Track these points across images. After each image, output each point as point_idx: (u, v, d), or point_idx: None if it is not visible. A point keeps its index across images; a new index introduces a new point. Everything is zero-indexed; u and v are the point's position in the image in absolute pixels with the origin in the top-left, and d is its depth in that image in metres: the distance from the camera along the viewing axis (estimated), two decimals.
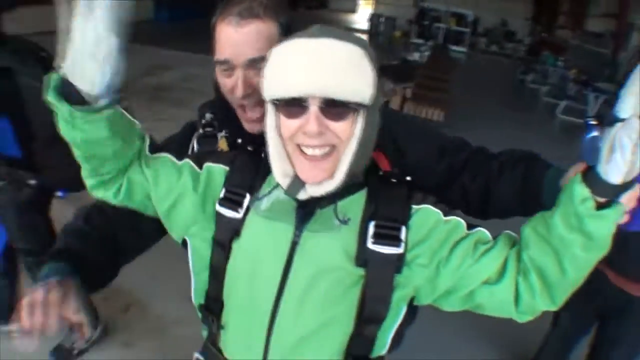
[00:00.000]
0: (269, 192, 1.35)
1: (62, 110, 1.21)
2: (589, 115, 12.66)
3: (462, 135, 1.74)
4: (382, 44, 25.45)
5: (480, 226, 1.34)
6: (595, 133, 1.10)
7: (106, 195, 1.43)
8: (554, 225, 1.15)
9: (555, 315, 3.56)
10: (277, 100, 1.23)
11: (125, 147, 1.36)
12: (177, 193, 1.42)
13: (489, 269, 1.25)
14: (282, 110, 1.24)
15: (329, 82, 1.16)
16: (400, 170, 1.46)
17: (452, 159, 1.61)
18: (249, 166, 1.42)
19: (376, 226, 1.28)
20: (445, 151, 1.62)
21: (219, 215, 1.39)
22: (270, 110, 1.28)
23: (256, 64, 1.48)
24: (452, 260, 1.27)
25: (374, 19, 29.18)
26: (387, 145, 1.56)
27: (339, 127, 1.21)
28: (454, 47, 24.79)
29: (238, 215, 1.36)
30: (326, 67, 1.16)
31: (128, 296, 4.43)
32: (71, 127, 1.24)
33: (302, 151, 1.24)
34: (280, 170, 1.28)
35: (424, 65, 13.98)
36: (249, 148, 1.46)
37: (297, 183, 1.27)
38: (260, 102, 1.46)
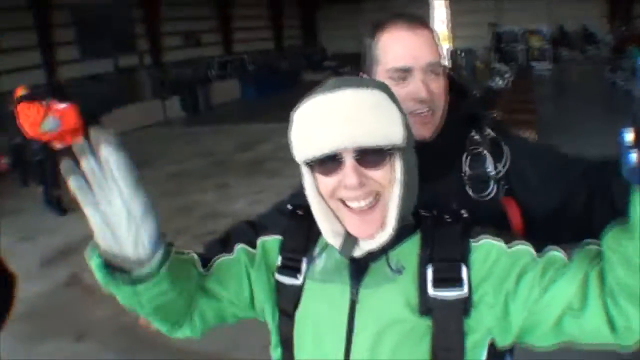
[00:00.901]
0: (320, 254, 1.32)
1: (125, 292, 1.17)
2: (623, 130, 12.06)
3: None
4: (466, 77, 25.37)
5: (553, 246, 1.20)
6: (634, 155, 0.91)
7: (185, 334, 1.40)
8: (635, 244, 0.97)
9: None
10: (311, 161, 1.20)
11: (186, 284, 1.28)
12: (245, 276, 1.40)
13: (563, 296, 1.10)
14: (318, 169, 1.20)
15: (358, 131, 1.13)
16: (457, 207, 1.33)
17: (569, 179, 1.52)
18: (300, 231, 1.38)
19: (434, 270, 1.19)
20: (562, 172, 1.54)
21: (279, 284, 1.36)
22: (305, 172, 1.24)
23: (434, 68, 1.50)
24: (519, 293, 1.15)
25: (453, 55, 29.09)
26: (521, 186, 1.56)
27: (378, 174, 1.17)
28: (537, 65, 24.46)
29: (297, 281, 1.33)
30: (352, 117, 1.13)
31: None
32: (137, 301, 1.20)
33: (347, 206, 1.19)
34: (329, 230, 1.23)
35: (507, 90, 13.88)
36: (299, 212, 1.41)
37: (350, 241, 1.22)
38: (433, 110, 1.52)
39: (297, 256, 1.35)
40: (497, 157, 1.55)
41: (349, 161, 1.14)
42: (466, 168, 1.55)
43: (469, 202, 1.47)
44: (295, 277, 1.33)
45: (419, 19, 1.56)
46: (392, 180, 1.19)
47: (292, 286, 1.33)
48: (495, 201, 1.53)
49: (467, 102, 1.70)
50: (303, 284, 1.32)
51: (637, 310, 1.01)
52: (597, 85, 19.08)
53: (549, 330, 1.14)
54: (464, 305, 1.18)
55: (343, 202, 1.20)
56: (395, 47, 1.52)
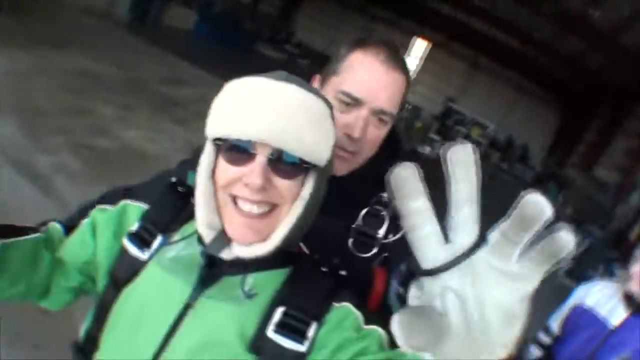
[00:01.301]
0: (180, 240, 1.21)
1: None
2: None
3: None
4: (400, 130, 25.71)
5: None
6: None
7: (54, 304, 1.33)
8: None
9: None
10: (221, 140, 1.09)
11: (36, 273, 1.23)
12: (92, 240, 1.29)
13: None
14: (224, 153, 1.09)
15: (288, 132, 1.03)
16: (338, 263, 1.27)
17: None
18: (171, 207, 1.27)
19: (284, 314, 1.09)
20: None
21: (123, 250, 1.23)
22: (208, 150, 1.14)
23: (382, 116, 1.46)
24: None
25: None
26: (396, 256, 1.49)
27: (285, 185, 1.08)
28: None
29: (142, 255, 1.21)
30: (287, 114, 1.04)
31: None
32: None
33: (236, 204, 1.09)
34: (205, 221, 1.12)
35: (430, 160, 14.10)
36: (179, 189, 1.29)
37: (222, 240, 1.11)
38: (358, 152, 1.48)
39: (154, 230, 1.23)
40: (393, 227, 1.48)
41: (260, 158, 1.05)
42: (360, 222, 1.49)
43: (346, 254, 1.44)
44: (142, 250, 1.21)
45: (402, 61, 1.50)
46: (296, 196, 1.11)
47: (134, 258, 1.21)
48: (368, 264, 1.48)
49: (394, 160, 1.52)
50: (147, 261, 1.20)
51: None
52: (508, 202, 19.49)
53: None
54: None
55: (234, 199, 1.10)
56: (361, 72, 1.46)
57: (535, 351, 3.20)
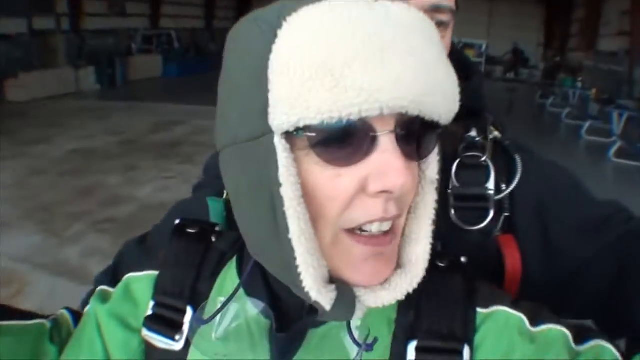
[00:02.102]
0: (223, 307, 0.80)
1: None
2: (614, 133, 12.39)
3: None
4: None
5: (599, 334, 0.77)
6: None
7: None
8: None
9: None
10: (311, 129, 0.62)
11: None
12: (100, 342, 0.90)
13: None
14: (322, 153, 0.63)
15: (425, 86, 0.61)
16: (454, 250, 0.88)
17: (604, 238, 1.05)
18: (188, 259, 0.88)
19: (420, 349, 0.73)
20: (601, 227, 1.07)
21: (147, 346, 0.87)
22: (282, 157, 0.63)
23: (438, 14, 1.02)
24: None
25: None
26: (528, 222, 1.06)
27: (414, 174, 0.69)
28: None
29: (176, 345, 0.83)
30: (417, 56, 0.61)
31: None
32: None
33: (358, 232, 0.67)
34: (316, 277, 0.66)
35: None
36: (190, 230, 0.91)
37: (348, 295, 0.69)
38: None
39: (178, 303, 0.83)
40: (502, 172, 1.06)
41: (388, 139, 0.62)
42: (455, 182, 1.03)
43: (451, 234, 0.99)
44: (172, 337, 0.81)
45: None
46: (423, 182, 0.73)
47: (167, 352, 0.82)
48: (487, 236, 1.04)
49: (471, 86, 1.04)
50: (186, 348, 0.81)
51: None
52: (525, 106, 19.66)
53: None
54: None
55: (355, 229, 0.66)
56: None
57: None
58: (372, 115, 0.58)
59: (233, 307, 0.80)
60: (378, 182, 0.61)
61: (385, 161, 0.61)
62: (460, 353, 0.71)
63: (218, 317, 0.79)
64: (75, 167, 9.37)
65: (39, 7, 20.73)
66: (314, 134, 0.61)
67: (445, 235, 0.91)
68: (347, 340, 0.73)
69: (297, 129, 0.61)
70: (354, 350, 0.72)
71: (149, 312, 0.85)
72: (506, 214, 1.04)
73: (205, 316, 0.80)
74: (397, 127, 0.62)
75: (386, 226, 0.66)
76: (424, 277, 0.73)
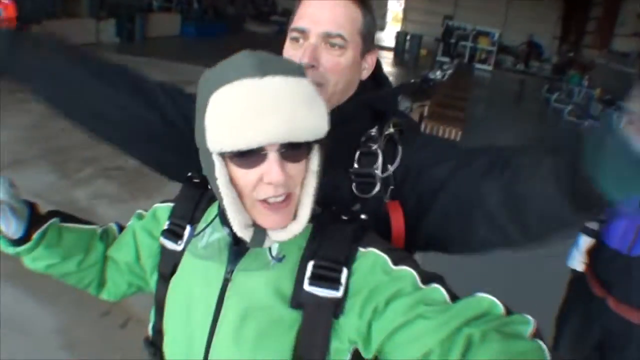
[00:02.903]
0: (205, 228, 1.31)
1: (9, 251, 1.38)
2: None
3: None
4: (407, 62, 25.63)
5: (440, 281, 1.14)
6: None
7: (111, 295, 1.60)
8: None
9: (553, 344, 3.35)
10: (231, 153, 1.09)
11: (87, 257, 1.49)
12: (134, 245, 1.50)
13: (423, 342, 1.03)
14: (236, 162, 1.10)
15: (289, 126, 1.05)
16: (358, 209, 1.36)
17: (467, 167, 1.41)
18: (191, 198, 1.40)
19: (314, 266, 1.16)
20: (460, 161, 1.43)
21: (162, 248, 1.40)
22: (218, 162, 1.11)
23: (330, 39, 1.40)
24: (385, 315, 1.10)
25: (400, 37, 29.19)
26: (409, 190, 1.46)
27: (297, 168, 1.12)
28: (479, 66, 25.03)
29: (178, 247, 1.35)
30: (283, 110, 1.05)
31: (127, 311, 4.47)
32: (30, 261, 1.42)
33: (263, 202, 1.12)
34: (239, 223, 1.14)
35: (445, 84, 14.00)
36: (195, 180, 1.43)
37: (261, 232, 1.16)
38: (320, 80, 1.41)
39: (183, 222, 1.36)
40: (389, 157, 1.46)
41: (273, 155, 1.06)
42: (355, 164, 1.46)
43: (354, 199, 1.44)
44: (177, 242, 1.35)
45: None
46: (308, 171, 1.16)
47: (172, 251, 1.36)
48: (379, 201, 1.45)
49: (380, 94, 1.56)
50: (183, 250, 1.34)
51: None
52: (531, 98, 19.95)
53: None
54: (335, 308, 1.14)
55: (260, 200, 1.12)
56: (304, 7, 1.45)
57: (583, 241, 3.18)
58: (263, 145, 1.05)
59: (212, 229, 1.29)
60: (266, 177, 1.07)
61: (270, 167, 1.06)
62: (340, 272, 1.15)
63: (202, 234, 1.29)
64: None
65: None
66: (230, 155, 1.08)
67: (348, 201, 1.40)
68: (268, 256, 1.20)
69: (221, 152, 1.09)
70: (271, 260, 1.19)
71: (165, 227, 1.39)
72: (391, 187, 1.45)
73: (196, 232, 1.32)
74: (280, 147, 1.06)
75: (279, 199, 1.10)
76: (328, 222, 1.22)
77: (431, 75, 14.57)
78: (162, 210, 1.46)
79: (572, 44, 27.93)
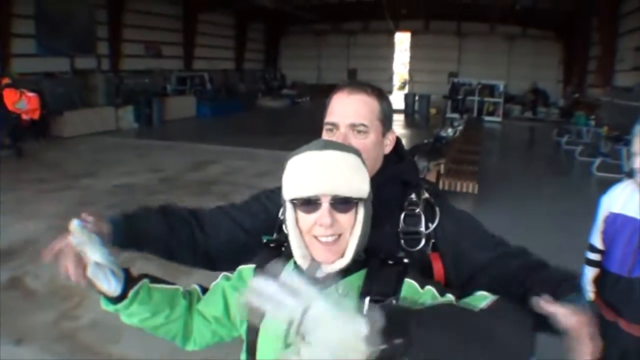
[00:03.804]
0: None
1: (109, 308, 1.61)
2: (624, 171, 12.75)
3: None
4: (418, 122, 26.19)
5: (454, 295, 1.47)
6: None
7: (196, 346, 1.78)
8: None
9: None
10: (296, 199, 1.47)
11: (173, 312, 1.70)
12: (224, 297, 1.72)
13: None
14: (300, 208, 1.47)
15: (336, 184, 1.42)
16: (402, 255, 1.64)
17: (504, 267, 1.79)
18: (269, 258, 1.66)
19: (370, 300, 1.44)
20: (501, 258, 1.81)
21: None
22: (289, 208, 1.51)
23: (356, 128, 1.79)
24: None
25: (408, 98, 29.90)
26: (446, 245, 1.81)
27: (345, 218, 1.45)
28: (489, 118, 25.41)
29: None
30: (334, 172, 1.43)
31: None
32: (126, 317, 1.64)
33: (317, 239, 1.47)
34: (300, 255, 1.50)
35: (457, 140, 14.32)
36: (271, 245, 1.72)
37: (315, 264, 1.48)
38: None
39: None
40: (429, 217, 1.81)
41: (325, 205, 1.43)
42: (402, 225, 1.80)
43: (402, 252, 1.73)
44: None
45: (367, 86, 1.88)
46: (355, 222, 1.48)
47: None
48: (423, 254, 1.79)
49: (401, 166, 1.96)
50: None
51: None
52: (542, 144, 20.16)
53: None
54: None
55: (315, 237, 1.47)
56: (333, 105, 1.85)
57: (589, 271, 3.37)
58: (317, 195, 1.43)
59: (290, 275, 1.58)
60: (318, 220, 1.43)
61: (322, 213, 1.43)
62: (390, 302, 1.44)
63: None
64: (121, 201, 9.90)
65: (82, 48, 22.13)
66: (295, 201, 1.48)
67: (397, 254, 1.67)
68: (335, 293, 1.45)
69: (291, 199, 1.49)
70: (338, 297, 1.44)
71: None
72: (432, 241, 1.80)
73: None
74: (331, 199, 1.43)
75: (330, 239, 1.45)
76: (378, 267, 1.53)
77: (443, 134, 14.83)
78: (247, 270, 1.71)
79: (575, 85, 28.29)
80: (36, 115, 15.35)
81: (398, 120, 26.17)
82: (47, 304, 5.77)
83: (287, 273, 1.47)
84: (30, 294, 6.03)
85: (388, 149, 1.92)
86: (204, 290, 1.82)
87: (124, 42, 24.69)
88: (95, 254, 1.53)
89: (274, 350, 1.52)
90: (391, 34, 39.59)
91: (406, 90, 37.37)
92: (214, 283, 1.79)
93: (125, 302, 1.59)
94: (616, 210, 3.16)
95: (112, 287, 1.56)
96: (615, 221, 3.15)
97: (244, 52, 35.85)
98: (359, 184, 1.47)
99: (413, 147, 11.96)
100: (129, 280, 1.60)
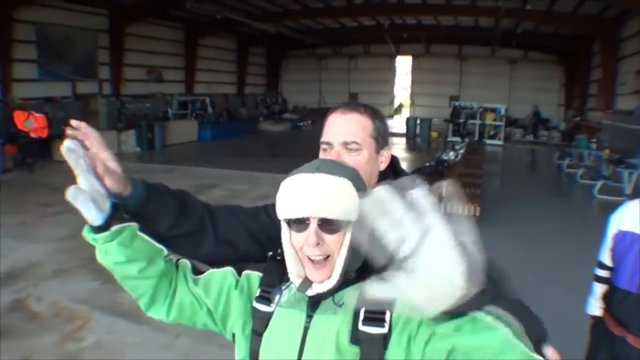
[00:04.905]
0: (288, 287, 1.63)
1: (88, 238, 1.61)
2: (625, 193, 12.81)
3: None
4: (419, 146, 26.26)
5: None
6: None
7: (159, 314, 1.75)
8: None
9: None
10: (288, 220, 1.54)
11: (149, 268, 1.69)
12: (227, 292, 1.73)
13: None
14: (292, 227, 1.53)
15: (323, 206, 1.47)
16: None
17: None
18: (276, 271, 1.70)
19: (365, 311, 1.50)
20: None
21: (255, 310, 1.67)
22: (284, 226, 1.57)
23: (348, 145, 1.88)
24: (420, 333, 1.42)
25: (410, 122, 30.00)
26: None
27: (332, 239, 1.50)
28: (490, 141, 25.52)
29: (270, 308, 1.64)
30: (321, 195, 1.48)
31: None
32: (101, 254, 1.63)
33: (309, 259, 1.52)
34: (294, 272, 1.56)
35: (458, 163, 14.38)
36: (277, 257, 1.73)
37: (306, 282, 1.55)
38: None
39: (272, 290, 1.67)
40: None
41: (312, 225, 1.49)
42: None
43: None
44: (269, 305, 1.65)
45: (359, 106, 1.97)
46: (342, 244, 1.52)
47: (265, 312, 1.65)
48: None
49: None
50: (274, 311, 1.64)
51: None
52: (543, 167, 20.33)
53: None
54: (384, 340, 1.47)
55: (307, 256, 1.52)
56: (328, 125, 1.94)
57: (597, 288, 3.45)
58: (305, 216, 1.47)
59: (291, 288, 1.61)
60: (308, 240, 1.48)
61: (309, 233, 1.48)
62: (384, 313, 1.47)
63: (285, 292, 1.62)
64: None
65: (83, 72, 22.20)
66: (288, 221, 1.53)
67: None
68: (332, 303, 1.53)
69: (284, 219, 1.54)
70: (334, 307, 1.53)
71: (258, 294, 1.68)
72: None
73: (283, 289, 1.64)
74: (318, 220, 1.47)
75: (318, 258, 1.49)
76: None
77: (445, 157, 14.90)
78: (254, 277, 1.74)
79: (576, 109, 28.52)
80: (45, 134, 16.81)
81: (399, 144, 26.35)
82: (50, 326, 5.79)
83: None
84: (34, 316, 6.03)
85: (383, 166, 1.99)
86: (196, 271, 1.80)
87: (126, 66, 24.78)
88: (80, 179, 1.55)
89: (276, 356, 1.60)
90: (392, 58, 39.88)
91: (402, 114, 37.56)
92: (214, 271, 1.78)
93: (105, 234, 1.58)
94: (625, 228, 3.21)
95: (92, 215, 1.54)
96: (625, 239, 3.21)
97: (245, 76, 36.01)
98: (346, 207, 1.50)
99: (415, 170, 11.91)
100: (116, 217, 1.59)
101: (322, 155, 1.91)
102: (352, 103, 2.01)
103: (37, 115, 16.68)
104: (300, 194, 1.51)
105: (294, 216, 1.51)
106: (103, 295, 6.72)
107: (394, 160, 2.05)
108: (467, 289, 1.12)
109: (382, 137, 1.96)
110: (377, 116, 1.98)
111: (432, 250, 1.10)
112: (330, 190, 1.50)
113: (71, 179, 1.54)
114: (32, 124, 16.54)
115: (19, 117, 16.52)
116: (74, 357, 5.16)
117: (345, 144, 1.89)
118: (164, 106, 26.01)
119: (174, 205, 1.86)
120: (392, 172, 2.02)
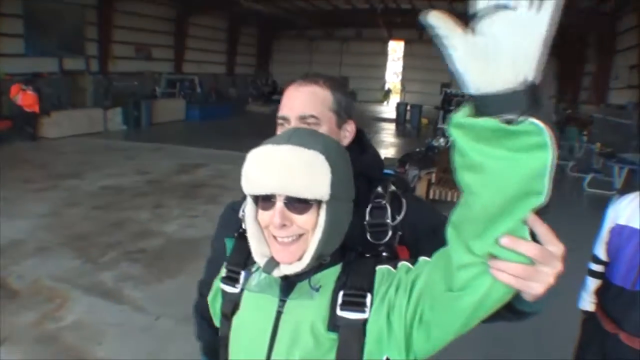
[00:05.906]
0: (257, 269, 1.52)
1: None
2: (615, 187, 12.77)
3: None
4: (409, 132, 26.24)
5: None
6: None
7: None
8: None
9: None
10: (253, 196, 1.43)
11: None
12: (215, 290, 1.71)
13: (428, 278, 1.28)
14: (259, 203, 1.42)
15: (288, 183, 1.33)
16: (382, 249, 1.64)
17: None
18: (244, 249, 1.58)
19: (344, 295, 1.40)
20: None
21: (222, 292, 1.62)
22: (250, 202, 1.46)
23: (306, 120, 1.76)
24: (397, 303, 1.33)
25: (400, 108, 29.86)
26: (410, 237, 1.77)
27: (302, 219, 1.37)
28: None
29: (236, 290, 1.57)
30: (288, 170, 1.34)
31: None
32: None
33: (275, 238, 1.40)
34: (258, 251, 1.44)
35: (448, 150, 14.29)
36: (246, 235, 1.57)
37: (272, 263, 1.42)
38: None
39: (238, 269, 1.58)
40: (396, 209, 1.77)
41: (278, 204, 1.36)
42: (368, 217, 1.75)
43: (369, 246, 1.68)
44: (234, 286, 1.57)
45: (316, 77, 1.86)
46: (315, 225, 1.38)
47: (231, 294, 1.58)
48: (390, 247, 1.72)
49: (363, 158, 1.86)
50: (241, 292, 1.56)
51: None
52: None
53: (440, 316, 1.22)
54: (363, 326, 1.36)
55: (273, 235, 1.40)
56: (284, 99, 1.83)
57: (591, 282, 3.36)
58: (270, 193, 1.35)
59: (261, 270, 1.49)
60: (273, 220, 1.35)
61: (274, 212, 1.35)
62: (365, 297, 1.38)
63: (255, 274, 1.51)
64: (107, 202, 10.08)
65: (70, 48, 21.84)
66: (254, 198, 1.41)
67: (363, 248, 1.60)
68: (308, 287, 1.42)
69: (249, 194, 1.42)
70: (311, 291, 1.41)
71: (223, 274, 1.62)
72: (400, 234, 1.76)
73: (251, 272, 1.54)
74: (284, 198, 1.34)
75: (286, 239, 1.37)
76: (355, 260, 1.48)
77: (435, 143, 14.84)
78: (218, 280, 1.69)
79: (569, 101, 28.43)
80: (37, 109, 17.36)
81: (389, 129, 26.39)
82: (30, 305, 5.69)
83: (258, 271, 1.49)
84: (13, 294, 5.93)
85: (347, 141, 1.87)
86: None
87: (114, 43, 24.43)
88: None
89: (248, 343, 1.52)
90: (385, 42, 39.75)
91: (390, 100, 37.49)
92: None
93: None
94: (623, 222, 3.12)
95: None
96: (622, 233, 3.11)
97: (235, 56, 35.79)
98: (312, 185, 1.35)
99: (404, 156, 12.19)
100: None
101: (279, 131, 1.77)
102: (312, 74, 1.88)
103: (29, 93, 17.22)
104: (264, 168, 1.37)
105: (257, 192, 1.39)
106: (84, 274, 6.64)
107: (359, 134, 1.94)
108: (529, 85, 0.89)
109: (344, 111, 1.85)
110: (339, 88, 1.86)
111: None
112: (299, 165, 1.35)
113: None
114: (18, 100, 17.08)
115: (12, 90, 17.21)
116: (53, 338, 5.05)
117: (303, 118, 1.78)
118: (152, 85, 25.72)
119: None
120: (358, 146, 1.90)
